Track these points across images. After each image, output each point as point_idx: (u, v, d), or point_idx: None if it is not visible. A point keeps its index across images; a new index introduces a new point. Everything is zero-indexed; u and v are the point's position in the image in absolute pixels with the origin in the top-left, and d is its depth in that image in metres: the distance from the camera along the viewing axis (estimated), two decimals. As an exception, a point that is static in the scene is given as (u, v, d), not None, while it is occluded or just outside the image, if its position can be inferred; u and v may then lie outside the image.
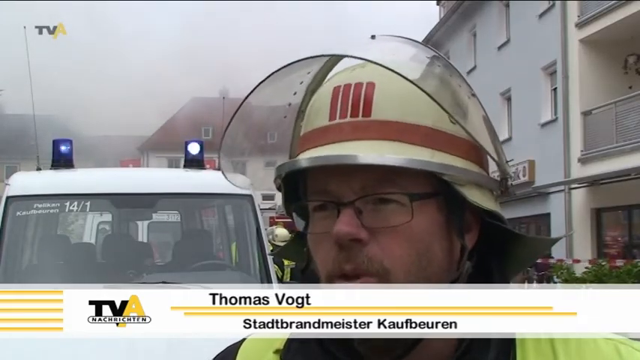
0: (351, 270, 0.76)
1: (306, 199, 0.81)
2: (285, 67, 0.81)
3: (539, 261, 13.48)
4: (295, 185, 0.84)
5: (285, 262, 8.12)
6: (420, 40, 0.87)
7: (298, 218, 0.87)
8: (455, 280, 0.78)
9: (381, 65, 0.75)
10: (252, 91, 0.84)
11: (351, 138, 0.77)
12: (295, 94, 0.89)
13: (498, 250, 0.85)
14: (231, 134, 0.90)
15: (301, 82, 0.88)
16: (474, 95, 0.82)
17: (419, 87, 0.74)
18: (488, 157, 0.83)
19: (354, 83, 0.79)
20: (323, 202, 0.79)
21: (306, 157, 0.78)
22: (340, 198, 0.76)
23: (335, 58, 0.86)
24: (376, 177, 0.75)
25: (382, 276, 0.75)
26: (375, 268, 0.75)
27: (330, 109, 0.79)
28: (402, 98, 0.77)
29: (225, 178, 0.95)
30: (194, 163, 5.18)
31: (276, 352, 0.86)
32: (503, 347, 0.79)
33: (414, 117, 0.77)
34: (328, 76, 0.86)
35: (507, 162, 0.85)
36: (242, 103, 0.86)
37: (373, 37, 0.83)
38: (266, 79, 0.83)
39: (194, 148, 5.25)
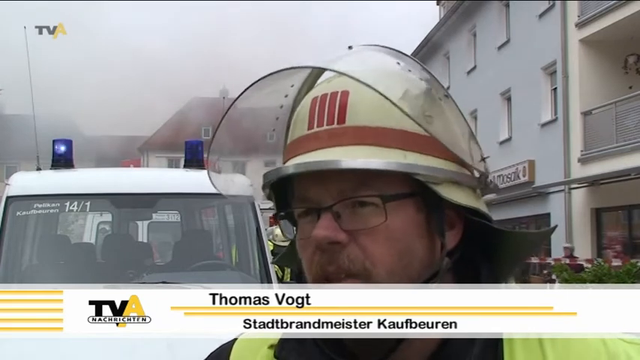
0: (334, 271, 0.78)
1: (291, 207, 0.85)
2: (260, 80, 0.84)
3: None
4: (285, 193, 0.87)
5: None
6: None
7: (288, 225, 0.89)
8: (433, 276, 0.80)
9: (347, 75, 0.78)
10: (233, 103, 0.87)
11: (327, 145, 0.80)
12: (282, 107, 0.92)
13: (488, 246, 0.86)
14: (217, 150, 0.94)
15: (286, 96, 0.91)
16: (447, 96, 0.83)
17: (382, 95, 0.76)
18: (461, 154, 0.84)
19: (330, 92, 0.82)
20: (305, 209, 0.82)
21: (283, 166, 0.82)
22: (320, 203, 0.80)
23: (318, 71, 0.89)
24: (353, 181, 0.78)
25: (365, 276, 0.78)
26: (357, 269, 0.78)
27: (308, 119, 0.83)
28: (375, 104, 0.80)
29: (211, 182, 0.97)
30: (194, 163, 5.18)
31: (271, 347, 0.88)
32: (489, 344, 0.80)
33: (387, 121, 0.80)
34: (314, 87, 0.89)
35: (484, 159, 0.86)
36: (223, 116, 0.89)
37: (350, 47, 0.86)
38: (243, 92, 0.85)
39: (194, 148, 5.26)
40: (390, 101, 0.76)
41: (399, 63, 0.84)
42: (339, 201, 0.79)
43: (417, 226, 0.80)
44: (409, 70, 0.83)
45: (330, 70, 0.82)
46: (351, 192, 0.79)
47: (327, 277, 0.79)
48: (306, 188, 0.81)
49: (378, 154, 0.78)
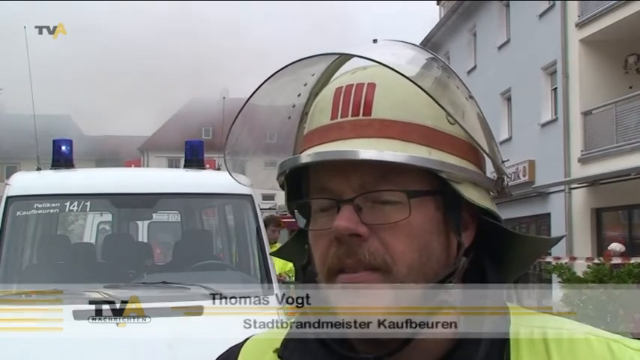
0: (352, 263, 0.77)
1: (308, 197, 0.83)
2: (292, 64, 0.83)
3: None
4: (298, 183, 0.85)
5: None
6: (420, 40, 0.88)
7: (300, 216, 0.88)
8: (451, 274, 0.79)
9: (386, 66, 0.76)
10: (258, 88, 0.86)
11: (351, 136, 0.79)
12: (299, 95, 0.91)
13: (496, 249, 0.86)
14: (236, 133, 0.91)
15: (305, 84, 0.90)
16: (471, 97, 0.84)
17: (419, 86, 0.76)
18: (485, 156, 0.85)
19: (356, 84, 0.81)
20: (324, 200, 0.80)
21: (306, 154, 0.80)
22: (340, 195, 0.78)
23: (338, 62, 0.89)
24: (375, 174, 0.77)
25: (385, 270, 0.77)
26: (378, 263, 0.76)
27: (332, 109, 0.81)
28: (402, 98, 0.79)
29: (231, 176, 0.96)
30: (194, 163, 5.18)
31: (275, 351, 0.87)
32: (495, 346, 0.79)
33: (413, 117, 0.79)
34: (331, 79, 0.88)
35: (503, 162, 0.86)
36: (248, 100, 0.88)
37: (375, 40, 0.85)
38: (273, 75, 0.84)
39: (194, 148, 5.25)
40: (430, 96, 0.75)
41: (427, 60, 0.83)
42: (361, 194, 0.77)
43: (435, 225, 0.79)
44: (437, 68, 0.82)
45: (370, 59, 0.79)
46: (373, 185, 0.77)
47: (344, 269, 0.77)
48: (325, 178, 0.79)
49: (403, 149, 0.77)
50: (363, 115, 0.79)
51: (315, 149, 0.80)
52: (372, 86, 0.80)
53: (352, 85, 0.81)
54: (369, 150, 0.76)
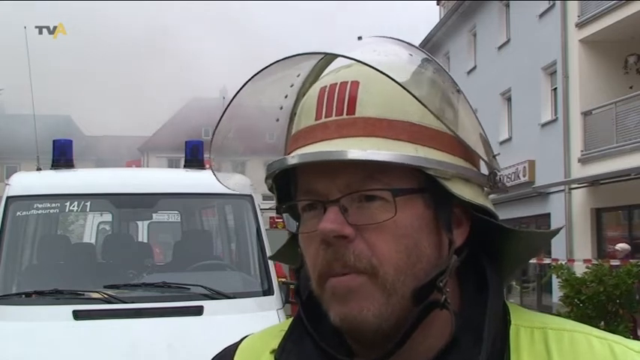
0: (339, 268, 0.76)
1: (295, 199, 0.82)
2: (273, 64, 0.82)
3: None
4: (287, 186, 0.84)
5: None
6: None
7: (290, 219, 0.87)
8: (441, 273, 0.77)
9: (365, 64, 0.75)
10: (241, 88, 0.85)
11: (335, 136, 0.78)
12: (287, 97, 0.90)
13: (493, 247, 0.85)
14: (222, 133, 0.90)
15: (292, 85, 0.89)
16: (459, 91, 0.81)
17: (402, 86, 0.74)
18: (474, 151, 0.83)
19: (339, 83, 0.80)
20: (310, 201, 0.79)
21: (291, 156, 0.79)
22: (326, 196, 0.77)
23: (324, 61, 0.88)
24: (361, 174, 0.76)
25: (371, 273, 0.75)
26: (363, 265, 0.75)
27: (316, 109, 0.80)
28: (386, 96, 0.78)
29: (216, 178, 0.94)
30: (194, 163, 5.18)
31: (272, 352, 0.86)
32: (494, 347, 0.78)
33: (398, 114, 0.78)
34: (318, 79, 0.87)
35: (494, 156, 0.84)
36: (231, 100, 0.86)
37: (360, 38, 0.84)
38: (255, 75, 0.83)
39: (194, 148, 5.25)
40: (409, 92, 0.74)
41: (411, 55, 0.81)
42: (346, 194, 0.76)
43: (425, 223, 0.78)
44: (421, 63, 0.81)
45: (346, 57, 0.78)
46: (359, 185, 0.76)
47: (332, 273, 0.76)
48: (311, 180, 0.78)
49: (388, 147, 0.76)
50: (347, 114, 0.78)
51: (300, 151, 0.79)
52: (355, 84, 0.79)
53: (336, 84, 0.80)
54: (352, 150, 0.75)
